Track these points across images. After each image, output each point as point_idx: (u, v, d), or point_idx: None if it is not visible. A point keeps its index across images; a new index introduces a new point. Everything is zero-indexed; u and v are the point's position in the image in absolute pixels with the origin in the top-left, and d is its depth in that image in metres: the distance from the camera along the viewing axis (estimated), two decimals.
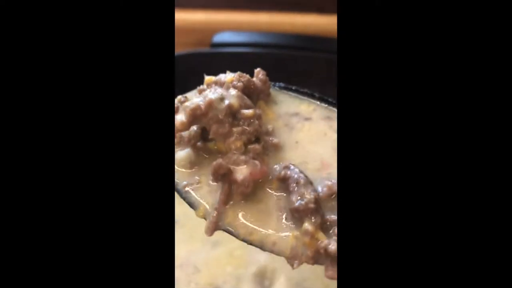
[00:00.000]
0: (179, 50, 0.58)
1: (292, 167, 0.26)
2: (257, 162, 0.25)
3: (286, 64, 0.59)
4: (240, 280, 0.41)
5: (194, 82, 0.59)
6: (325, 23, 0.64)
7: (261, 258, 0.43)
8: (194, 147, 0.25)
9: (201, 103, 0.25)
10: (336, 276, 0.26)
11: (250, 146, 0.25)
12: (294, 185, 0.25)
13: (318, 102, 0.32)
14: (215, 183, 0.26)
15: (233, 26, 0.66)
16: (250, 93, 0.28)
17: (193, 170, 0.26)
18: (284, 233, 0.25)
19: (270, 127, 0.28)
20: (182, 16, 0.66)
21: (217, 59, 0.60)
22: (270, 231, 0.26)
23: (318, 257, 0.25)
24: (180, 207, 0.46)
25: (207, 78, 0.29)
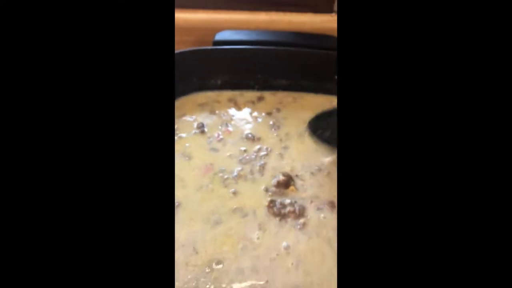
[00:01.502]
0: (181, 48, 0.61)
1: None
2: None
3: (284, 60, 0.62)
4: (238, 257, 0.44)
5: (197, 77, 0.63)
6: (319, 21, 0.67)
7: (254, 235, 0.46)
8: None
9: None
10: None
11: None
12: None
13: None
14: None
15: (233, 25, 0.68)
16: None
17: None
18: None
19: None
20: (183, 16, 0.69)
21: (219, 56, 0.63)
22: None
23: None
24: (181, 191, 0.49)
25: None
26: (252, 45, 0.63)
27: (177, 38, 0.68)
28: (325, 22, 0.67)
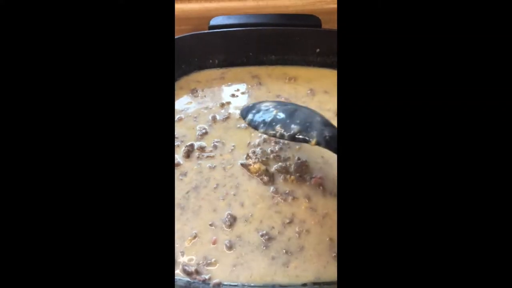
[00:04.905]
0: (180, 34, 0.69)
1: None
2: None
3: (271, 39, 0.71)
4: None
5: (197, 57, 0.70)
6: (301, 4, 0.75)
7: None
8: None
9: None
10: None
11: None
12: None
13: None
14: None
15: (224, 13, 0.76)
16: None
17: None
18: None
19: None
20: (180, 7, 0.76)
21: (214, 39, 0.71)
22: None
23: None
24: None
25: None
26: (242, 27, 0.71)
27: (175, 27, 0.75)
28: (306, 5, 0.75)
